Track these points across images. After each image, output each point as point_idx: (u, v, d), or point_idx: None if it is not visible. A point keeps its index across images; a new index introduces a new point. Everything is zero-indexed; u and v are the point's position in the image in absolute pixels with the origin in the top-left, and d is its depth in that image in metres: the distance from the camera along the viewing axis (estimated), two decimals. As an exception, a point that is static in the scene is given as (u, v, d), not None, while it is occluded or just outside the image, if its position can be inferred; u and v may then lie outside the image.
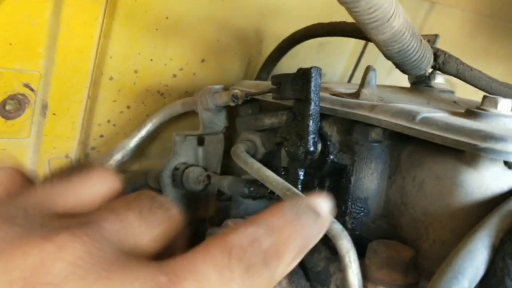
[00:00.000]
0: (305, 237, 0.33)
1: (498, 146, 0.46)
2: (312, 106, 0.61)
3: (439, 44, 0.82)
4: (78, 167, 0.34)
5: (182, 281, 0.27)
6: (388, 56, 0.67)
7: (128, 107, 0.99)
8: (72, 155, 0.96)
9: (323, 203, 0.37)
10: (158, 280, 0.27)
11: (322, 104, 0.64)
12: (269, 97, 0.72)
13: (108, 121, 0.98)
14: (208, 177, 0.85)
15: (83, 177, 0.34)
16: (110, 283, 0.25)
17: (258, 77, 1.03)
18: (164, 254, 0.35)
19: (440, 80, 0.85)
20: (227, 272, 0.28)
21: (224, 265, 0.28)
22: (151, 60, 0.94)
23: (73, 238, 0.27)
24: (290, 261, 0.32)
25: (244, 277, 0.28)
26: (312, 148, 0.62)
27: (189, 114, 0.99)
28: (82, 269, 0.25)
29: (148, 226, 0.32)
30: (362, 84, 0.66)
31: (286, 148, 0.65)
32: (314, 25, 0.89)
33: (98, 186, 0.34)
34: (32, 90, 0.84)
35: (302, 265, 0.67)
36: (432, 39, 0.79)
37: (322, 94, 0.65)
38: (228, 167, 0.97)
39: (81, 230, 0.27)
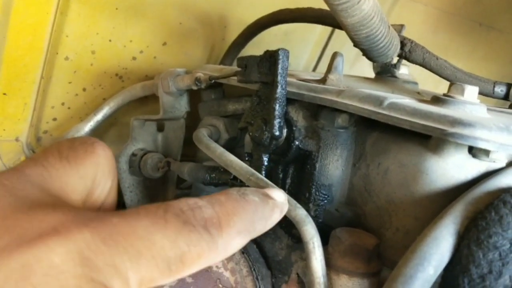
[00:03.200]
0: (252, 214, 0.34)
1: (465, 131, 0.46)
2: (279, 89, 0.59)
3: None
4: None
5: (110, 218, 0.29)
6: (356, 42, 0.66)
7: (84, 89, 0.94)
8: (22, 138, 0.91)
9: (277, 191, 0.39)
10: (83, 214, 0.29)
11: (289, 89, 0.62)
12: (233, 82, 0.70)
13: (62, 104, 0.94)
14: (168, 163, 0.82)
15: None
16: (26, 216, 0.28)
17: (222, 64, 1.01)
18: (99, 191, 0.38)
19: (404, 71, 0.85)
20: (161, 220, 0.29)
21: (159, 216, 0.29)
22: (110, 41, 0.90)
23: None
24: (234, 235, 0.32)
25: (180, 230, 0.29)
26: (277, 133, 0.60)
27: (149, 100, 0.96)
28: None
29: (72, 163, 0.35)
30: (329, 70, 0.65)
31: (250, 133, 0.63)
32: (280, 11, 0.87)
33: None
34: (-20, 67, 0.79)
35: (263, 253, 0.65)
36: (398, 28, 0.79)
37: (289, 79, 0.64)
38: (188, 156, 0.95)
39: (4, 177, 0.31)
